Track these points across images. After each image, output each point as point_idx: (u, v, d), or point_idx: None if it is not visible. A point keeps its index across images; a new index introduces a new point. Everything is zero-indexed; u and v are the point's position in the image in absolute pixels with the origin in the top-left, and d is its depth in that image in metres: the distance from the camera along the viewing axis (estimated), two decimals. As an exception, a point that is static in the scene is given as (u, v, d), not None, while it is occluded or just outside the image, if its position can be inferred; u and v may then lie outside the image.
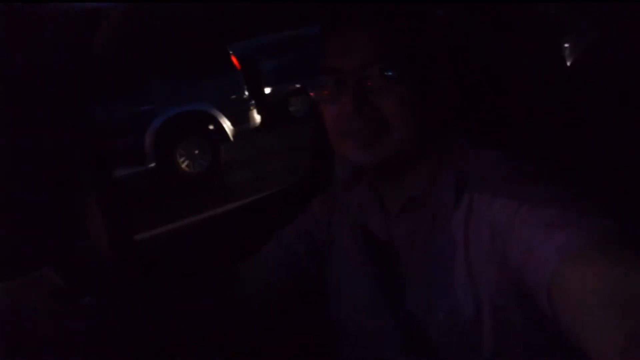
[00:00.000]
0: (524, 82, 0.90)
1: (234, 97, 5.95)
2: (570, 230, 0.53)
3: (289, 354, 1.14)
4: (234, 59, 5.89)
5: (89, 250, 0.92)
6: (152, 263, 1.12)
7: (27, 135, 0.82)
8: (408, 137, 0.70)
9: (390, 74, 0.68)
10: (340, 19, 0.72)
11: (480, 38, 0.92)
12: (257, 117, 6.19)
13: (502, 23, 0.91)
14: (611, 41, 0.82)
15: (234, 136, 5.93)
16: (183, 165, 5.72)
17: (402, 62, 0.69)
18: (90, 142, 0.95)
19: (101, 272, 0.94)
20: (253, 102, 6.10)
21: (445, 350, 0.69)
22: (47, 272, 0.71)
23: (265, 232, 0.96)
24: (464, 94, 0.83)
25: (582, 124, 0.84)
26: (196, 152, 5.78)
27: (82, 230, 0.90)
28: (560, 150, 0.78)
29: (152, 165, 5.52)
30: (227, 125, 5.86)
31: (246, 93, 6.00)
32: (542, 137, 0.85)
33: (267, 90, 7.61)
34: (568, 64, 0.96)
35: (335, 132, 0.74)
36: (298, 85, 7.93)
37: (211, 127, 5.81)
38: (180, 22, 1.02)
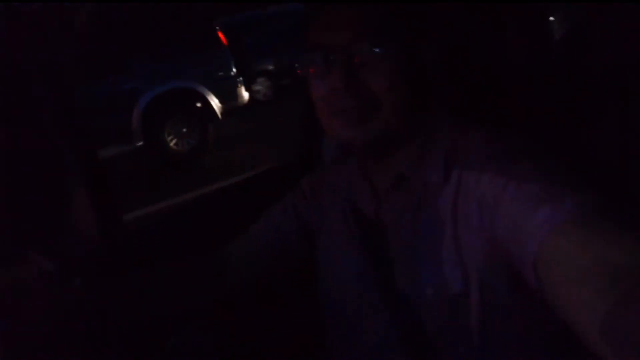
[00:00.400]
0: (524, 82, 0.90)
1: (221, 73, 5.85)
2: (554, 205, 0.54)
3: (279, 338, 1.15)
4: (220, 35, 5.79)
5: (78, 232, 0.92)
6: (141, 243, 1.13)
7: (10, 123, 0.81)
8: (398, 114, 0.70)
9: (378, 50, 0.67)
10: None
11: (479, 37, 0.92)
12: (245, 94, 6.11)
13: (501, 22, 0.91)
14: (611, 41, 0.81)
15: (222, 113, 5.86)
16: (171, 144, 5.66)
17: (391, 38, 0.68)
18: (74, 125, 0.94)
19: (90, 254, 0.94)
20: (241, 78, 6.01)
21: (434, 326, 0.70)
22: (36, 257, 0.70)
23: (255, 210, 0.96)
24: (463, 94, 0.83)
25: (582, 124, 0.84)
26: (184, 130, 5.71)
27: (70, 212, 0.90)
28: (560, 150, 0.79)
29: (140, 143, 5.45)
30: (215, 102, 5.79)
31: (234, 70, 5.91)
32: (542, 137, 0.85)
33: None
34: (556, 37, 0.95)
35: (325, 109, 0.73)
36: (271, 67, 7.76)
37: (199, 104, 5.73)
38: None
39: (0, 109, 0.81)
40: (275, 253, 0.92)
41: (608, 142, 0.82)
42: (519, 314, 0.65)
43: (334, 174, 0.89)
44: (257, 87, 7.86)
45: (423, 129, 0.75)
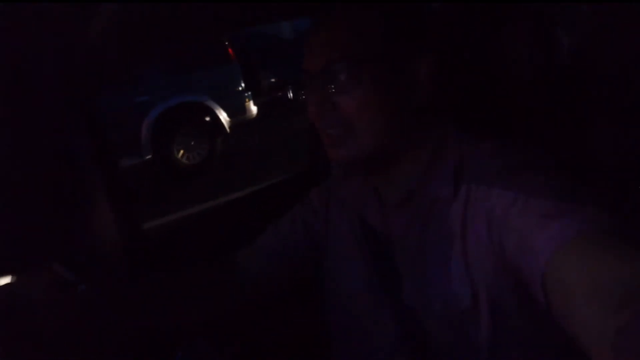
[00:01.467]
0: (524, 82, 0.90)
1: (230, 88, 5.92)
2: (563, 221, 0.53)
3: (285, 348, 1.15)
4: (229, 50, 5.86)
5: (99, 241, 0.91)
6: (160, 252, 1.13)
7: (32, 131, 0.82)
8: (375, 135, 0.70)
9: (355, 73, 0.68)
10: (319, 15, 0.72)
11: (479, 36, 0.92)
12: (254, 108, 6.17)
13: (501, 21, 0.91)
14: (611, 40, 0.82)
15: (230, 127, 5.92)
16: (180, 157, 5.71)
17: (371, 60, 0.68)
18: (94, 134, 0.94)
19: (112, 263, 0.94)
20: (249, 93, 6.07)
21: (442, 342, 0.69)
22: (57, 267, 0.71)
23: (265, 222, 0.96)
24: (462, 94, 0.83)
25: (582, 124, 0.84)
26: (192, 143, 5.76)
27: (91, 222, 0.90)
28: (560, 150, 0.78)
29: (149, 156, 5.50)
30: (223, 116, 5.85)
31: (242, 84, 5.97)
32: (542, 137, 0.85)
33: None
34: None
35: (317, 128, 0.75)
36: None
37: (207, 118, 5.80)
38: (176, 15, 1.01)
39: (21, 119, 0.81)
40: (283, 264, 0.92)
41: (608, 142, 0.82)
42: (528, 329, 0.64)
43: (342, 187, 0.89)
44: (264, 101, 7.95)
45: (428, 142, 0.74)
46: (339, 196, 0.90)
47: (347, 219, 0.86)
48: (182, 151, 5.72)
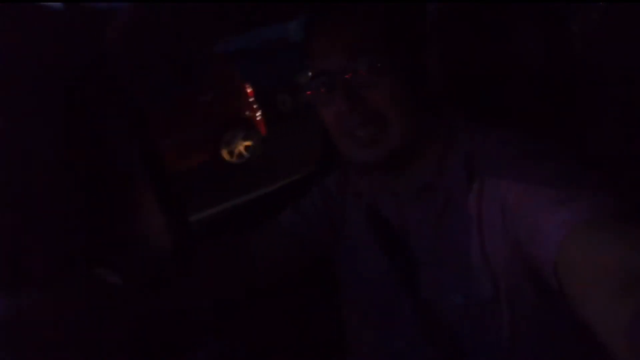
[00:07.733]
0: (525, 81, 0.89)
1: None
2: (573, 206, 0.54)
3: (300, 342, 1.15)
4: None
5: (148, 241, 0.88)
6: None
7: (78, 130, 0.78)
8: (407, 127, 0.71)
9: (379, 65, 0.68)
10: (324, 14, 0.73)
11: (489, 33, 0.91)
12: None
13: (513, 18, 0.90)
14: (612, 40, 0.79)
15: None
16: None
17: (387, 54, 0.68)
18: (141, 133, 0.93)
19: (159, 260, 0.89)
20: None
21: (463, 332, 0.70)
22: (102, 271, 0.70)
23: None
24: (464, 93, 0.82)
25: (583, 123, 0.83)
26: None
27: (138, 222, 0.87)
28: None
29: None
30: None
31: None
32: (542, 137, 0.84)
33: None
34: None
35: (337, 132, 0.75)
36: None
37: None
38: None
39: (62, 119, 0.77)
40: (304, 243, 0.92)
41: (609, 141, 0.80)
42: (547, 317, 0.65)
43: (358, 177, 0.90)
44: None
45: (439, 134, 0.75)
46: (354, 188, 0.90)
47: (363, 209, 0.86)
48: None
